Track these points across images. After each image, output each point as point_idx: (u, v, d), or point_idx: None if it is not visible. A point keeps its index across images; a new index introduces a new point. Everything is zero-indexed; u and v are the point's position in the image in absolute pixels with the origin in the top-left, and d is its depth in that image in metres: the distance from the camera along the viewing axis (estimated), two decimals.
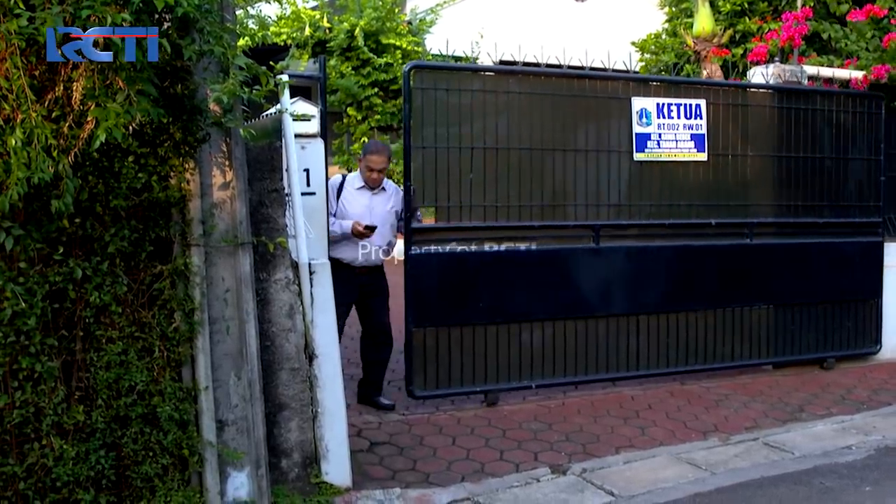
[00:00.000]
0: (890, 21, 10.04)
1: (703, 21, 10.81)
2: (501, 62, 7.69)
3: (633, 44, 15.13)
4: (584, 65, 7.63)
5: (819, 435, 6.73)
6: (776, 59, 9.27)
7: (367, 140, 18.00)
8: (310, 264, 5.26)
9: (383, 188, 6.91)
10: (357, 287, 6.76)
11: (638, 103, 7.72)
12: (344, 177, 6.93)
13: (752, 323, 8.41)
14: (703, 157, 8.02)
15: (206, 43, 4.19)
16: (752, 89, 8.51)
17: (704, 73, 10.69)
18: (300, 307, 5.22)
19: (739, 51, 11.61)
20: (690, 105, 7.97)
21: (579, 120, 7.53)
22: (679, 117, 7.88)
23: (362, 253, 6.71)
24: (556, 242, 7.45)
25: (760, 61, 9.27)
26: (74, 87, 3.88)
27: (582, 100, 7.53)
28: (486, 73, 7.35)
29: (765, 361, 8.60)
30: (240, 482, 4.84)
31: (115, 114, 3.75)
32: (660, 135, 7.80)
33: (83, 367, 4.36)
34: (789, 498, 5.44)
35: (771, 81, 8.71)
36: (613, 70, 7.70)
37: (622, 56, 8.01)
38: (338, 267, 6.23)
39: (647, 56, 14.86)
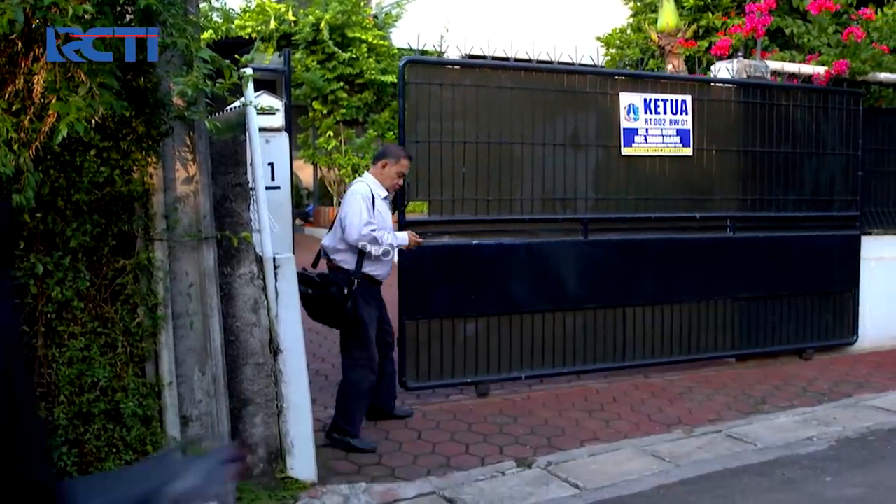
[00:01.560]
0: (850, 17, 10.15)
1: (667, 16, 10.87)
2: (469, 56, 7.72)
3: (598, 39, 15.20)
4: (557, 60, 7.66)
5: (781, 427, 6.80)
6: (739, 53, 9.34)
7: (357, 138, 18.00)
8: (274, 259, 5.23)
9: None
10: (380, 301, 6.37)
11: (626, 99, 7.82)
12: (368, 185, 6.26)
13: (731, 315, 8.56)
14: (688, 152, 8.14)
15: (169, 35, 4.16)
16: (737, 86, 8.64)
17: (669, 67, 10.76)
18: (265, 302, 5.19)
19: (704, 44, 11.69)
20: (677, 101, 8.10)
21: (569, 115, 7.64)
22: (666, 113, 8.01)
23: (391, 267, 6.35)
24: (546, 236, 7.57)
25: (723, 55, 9.35)
26: (35, 80, 3.84)
27: (571, 95, 7.64)
28: (480, 69, 7.38)
29: (744, 353, 8.73)
30: None
31: (76, 107, 3.71)
32: (647, 130, 7.92)
33: (45, 364, 4.31)
34: (752, 489, 5.49)
35: (734, 76, 8.77)
36: (602, 66, 7.77)
37: (589, 51, 8.07)
38: (372, 284, 6.12)
39: (612, 51, 14.92)
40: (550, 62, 7.69)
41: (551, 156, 7.53)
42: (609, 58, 14.63)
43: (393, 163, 6.19)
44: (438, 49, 8.36)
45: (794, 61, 9.58)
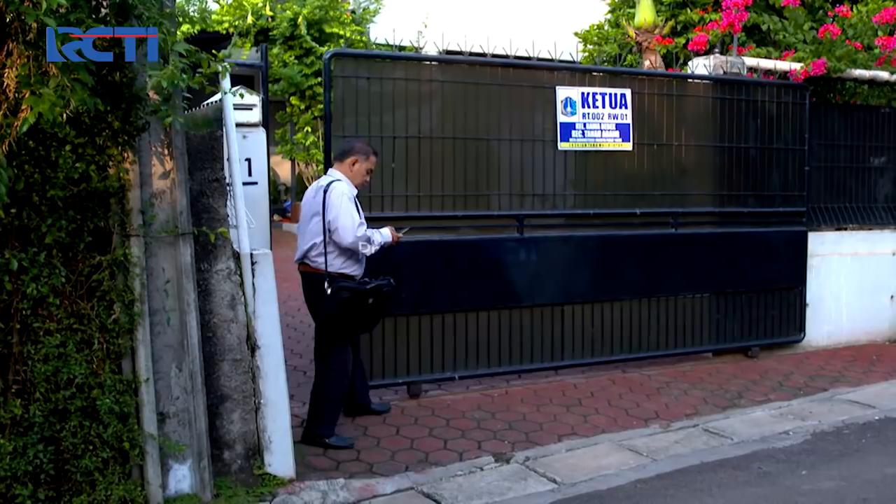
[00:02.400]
0: (827, 13, 10.22)
1: (645, 12, 10.88)
2: (447, 52, 7.66)
3: (576, 34, 15.21)
4: (514, 54, 7.61)
5: (757, 421, 6.84)
6: (716, 49, 9.38)
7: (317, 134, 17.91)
8: (252, 254, 5.21)
9: None
10: None
11: (562, 92, 7.67)
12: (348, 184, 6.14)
13: (676, 312, 8.43)
14: (628, 146, 8.01)
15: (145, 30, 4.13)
16: (679, 79, 8.55)
17: (646, 63, 10.77)
18: (242, 298, 5.17)
19: (682, 40, 11.72)
20: (616, 94, 7.94)
21: (503, 109, 7.45)
22: (604, 106, 7.86)
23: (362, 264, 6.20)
24: (480, 232, 7.41)
25: (700, 51, 9.38)
26: (7, 75, 3.81)
27: (506, 88, 7.45)
28: (410, 62, 7.23)
29: (689, 351, 8.61)
30: (182, 475, 4.81)
31: (49, 101, 3.68)
32: (584, 124, 7.78)
33: (20, 360, 4.29)
34: (728, 483, 5.52)
35: (711, 72, 8.80)
36: (538, 59, 7.67)
37: (568, 47, 8.02)
38: (350, 282, 5.95)
39: (590, 47, 14.94)
40: (506, 56, 7.59)
41: (485, 151, 7.36)
42: (587, 54, 14.64)
43: (363, 160, 6.08)
44: (416, 44, 8.33)
45: (770, 57, 9.62)
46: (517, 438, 6.33)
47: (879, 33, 9.75)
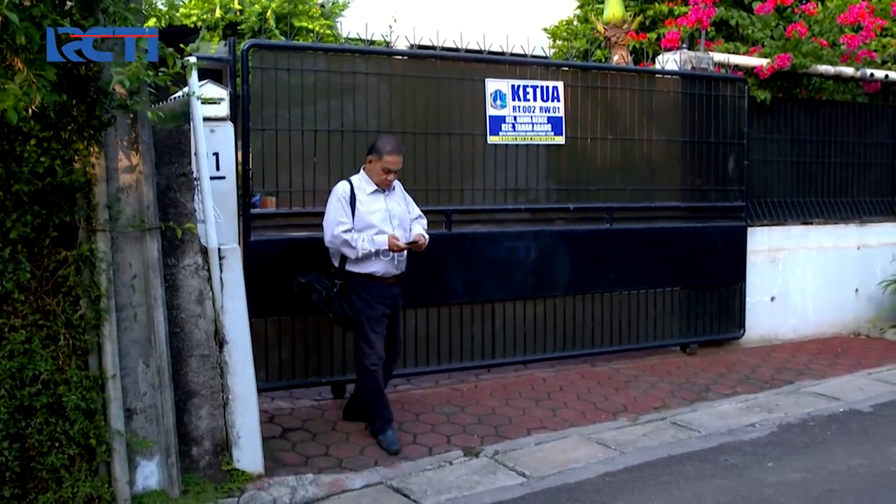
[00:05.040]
0: (793, 11, 10.31)
1: (613, 7, 10.92)
2: (420, 47, 7.61)
3: (545, 30, 15.23)
4: (442, 45, 7.43)
5: (724, 413, 6.90)
6: (684, 45, 9.43)
7: None
8: (219, 249, 5.19)
9: (393, 187, 6.15)
10: (391, 300, 6.08)
11: (492, 85, 7.54)
12: (349, 182, 6.03)
13: (608, 309, 8.32)
14: (560, 140, 7.89)
15: (111, 23, 4.11)
16: (613, 71, 8.46)
17: (615, 58, 10.82)
18: (210, 293, 5.15)
19: (653, 35, 11.77)
20: (547, 87, 7.80)
21: (430, 102, 7.30)
22: (535, 100, 7.74)
23: (395, 264, 6.02)
24: None
25: (673, 47, 9.42)
26: None
27: (433, 81, 7.31)
28: (332, 53, 7.06)
29: (626, 348, 8.51)
30: (149, 471, 4.79)
31: (14, 97, 3.65)
32: (515, 118, 7.65)
33: None
34: (695, 475, 5.57)
35: (679, 68, 8.85)
36: (466, 50, 7.54)
37: (540, 42, 7.97)
38: (373, 281, 5.93)
39: (559, 42, 14.96)
40: (433, 47, 7.43)
41: (411, 145, 7.08)
42: (556, 49, 14.66)
43: (376, 159, 5.93)
44: (386, 38, 8.32)
45: (738, 52, 9.69)
46: (486, 432, 6.34)
47: (845, 31, 9.88)
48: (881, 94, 10.55)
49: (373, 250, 5.83)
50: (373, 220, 5.89)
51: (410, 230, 6.13)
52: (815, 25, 10.05)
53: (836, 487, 5.38)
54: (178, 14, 16.97)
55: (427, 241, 6.05)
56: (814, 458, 5.92)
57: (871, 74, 9.95)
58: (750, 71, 9.28)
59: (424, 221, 6.31)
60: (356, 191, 5.94)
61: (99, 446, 4.48)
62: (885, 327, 9.98)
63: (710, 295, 8.95)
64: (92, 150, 4.44)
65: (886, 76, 10.12)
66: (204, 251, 5.15)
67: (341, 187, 5.96)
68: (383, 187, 5.99)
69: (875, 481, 5.50)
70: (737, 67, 9.21)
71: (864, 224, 10.22)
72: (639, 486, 5.38)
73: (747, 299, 9.16)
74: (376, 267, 5.92)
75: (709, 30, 10.09)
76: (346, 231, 5.82)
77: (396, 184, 6.19)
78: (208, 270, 5.15)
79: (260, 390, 5.94)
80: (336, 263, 6.01)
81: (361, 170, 6.07)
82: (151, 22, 5.31)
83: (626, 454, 5.95)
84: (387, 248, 5.84)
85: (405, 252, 5.99)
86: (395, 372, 6.81)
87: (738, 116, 8.97)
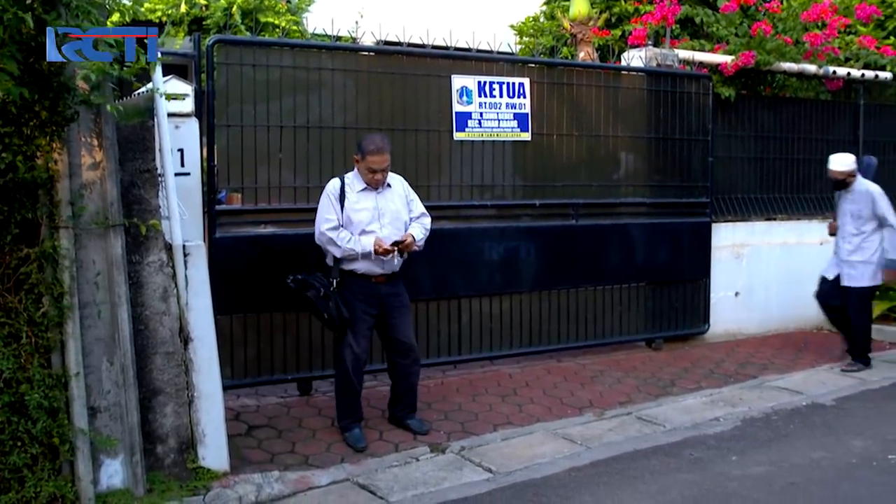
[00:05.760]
0: (757, 9, 10.41)
1: (579, 4, 10.96)
2: (386, 43, 7.58)
3: (512, 27, 15.26)
4: (408, 41, 7.44)
5: (689, 408, 6.96)
6: (649, 42, 9.48)
7: None
8: (184, 246, 5.16)
9: (388, 184, 6.07)
10: (377, 299, 6.00)
11: (458, 81, 7.55)
12: (342, 179, 6.00)
13: (574, 305, 8.34)
14: (526, 136, 7.91)
15: (73, 18, 4.07)
16: (579, 68, 8.47)
17: (581, 55, 10.86)
18: (174, 290, 5.12)
19: (618, 32, 11.82)
20: (513, 84, 7.82)
21: (396, 98, 7.28)
22: (502, 96, 7.76)
23: (381, 263, 5.94)
24: None
25: (639, 44, 9.47)
26: None
27: (399, 77, 7.30)
28: (297, 49, 7.03)
29: (592, 344, 8.52)
30: (114, 470, 4.75)
31: None
32: (481, 114, 7.65)
33: None
34: (661, 469, 5.62)
35: (645, 64, 8.89)
36: (433, 46, 7.54)
37: (507, 38, 7.94)
38: (354, 278, 5.91)
39: (525, 39, 14.99)
40: (399, 43, 7.44)
41: None
42: (523, 46, 14.69)
43: (360, 159, 5.91)
44: (353, 34, 8.28)
45: (703, 50, 9.76)
46: (453, 428, 6.35)
47: (809, 29, 9.98)
48: (843, 92, 10.69)
49: (357, 251, 5.80)
50: (360, 217, 5.87)
51: (407, 229, 6.07)
52: (779, 23, 10.15)
53: (798, 480, 5.44)
54: (142, 9, 16.85)
55: (416, 240, 6.00)
56: (777, 451, 5.98)
57: (834, 72, 10.06)
58: (715, 68, 9.35)
59: (427, 220, 6.22)
60: (346, 188, 5.92)
61: (62, 445, 4.44)
62: None
63: (676, 290, 9.01)
64: (54, 145, 4.40)
65: (849, 74, 10.24)
66: (168, 248, 5.11)
67: (331, 184, 5.95)
68: (373, 185, 5.95)
69: (837, 474, 5.57)
70: (702, 64, 9.28)
71: (827, 220, 10.30)
72: (604, 480, 5.41)
73: (712, 294, 9.24)
74: (359, 264, 5.90)
75: (674, 27, 10.17)
76: (331, 228, 5.80)
77: (398, 181, 6.17)
78: (173, 267, 5.12)
79: (225, 388, 5.90)
80: (330, 262, 5.96)
81: (355, 167, 6.04)
82: (115, 17, 5.27)
83: (591, 449, 5.99)
84: (371, 250, 5.80)
85: (396, 251, 5.92)
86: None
87: (702, 113, 9.03)
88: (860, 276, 8.14)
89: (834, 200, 8.55)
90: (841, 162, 8.16)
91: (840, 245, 8.30)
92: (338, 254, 5.83)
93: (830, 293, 8.34)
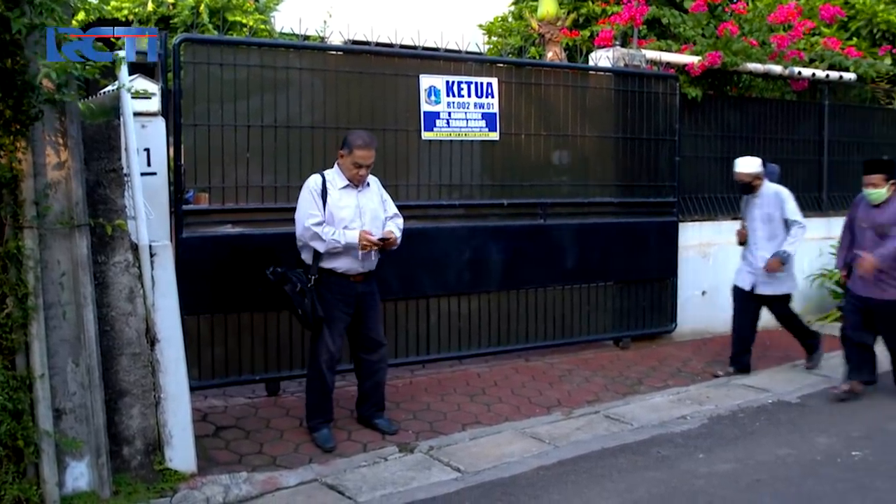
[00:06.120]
0: (724, 10, 10.50)
1: (547, 4, 11.00)
2: (354, 42, 7.56)
3: (480, 27, 15.29)
4: (376, 40, 7.42)
5: (656, 406, 7.00)
6: (617, 42, 9.53)
7: None
8: (151, 246, 5.12)
9: (367, 183, 6.08)
10: (355, 298, 5.99)
11: (426, 81, 7.52)
12: (322, 175, 5.96)
13: (542, 304, 8.35)
14: (494, 136, 7.90)
15: (37, 16, 4.03)
16: (547, 68, 8.50)
17: (549, 55, 10.89)
18: (141, 290, 5.08)
19: (586, 33, 11.88)
20: (481, 83, 7.80)
21: (364, 97, 7.25)
22: (470, 96, 7.74)
23: (362, 261, 5.94)
24: None
25: (607, 45, 9.51)
26: None
27: (368, 76, 7.26)
28: (265, 48, 6.99)
29: (560, 343, 8.53)
30: (79, 472, 4.72)
31: None
32: (449, 113, 7.64)
33: None
34: (628, 468, 5.64)
35: (613, 65, 8.92)
36: (401, 46, 7.53)
37: (475, 38, 7.93)
38: (331, 277, 5.87)
39: (494, 39, 15.02)
40: (368, 43, 7.39)
41: None
42: (491, 46, 14.72)
43: (347, 153, 5.88)
44: (321, 34, 8.25)
45: (670, 50, 9.82)
46: (421, 428, 6.36)
47: (775, 30, 10.08)
48: (808, 92, 10.81)
49: (342, 243, 5.77)
50: (342, 214, 5.84)
51: (384, 228, 6.07)
52: (745, 24, 10.25)
53: (764, 477, 5.49)
54: (108, 7, 16.72)
55: (398, 238, 6.02)
56: (743, 448, 6.03)
57: (799, 73, 10.17)
58: (681, 68, 9.41)
59: (400, 221, 6.24)
60: (328, 185, 5.89)
61: (27, 447, 4.40)
62: (811, 320, 10.18)
63: (643, 289, 9.04)
64: (18, 145, 4.36)
65: (813, 74, 10.35)
66: (135, 248, 5.08)
67: (313, 180, 5.90)
68: (356, 182, 5.93)
69: (802, 470, 5.62)
70: (669, 65, 9.33)
71: None
72: (572, 479, 5.44)
73: (679, 293, 9.27)
74: (340, 262, 5.88)
75: (641, 28, 10.22)
76: (316, 224, 5.75)
77: (373, 180, 6.14)
78: (139, 267, 5.08)
79: (192, 388, 5.87)
80: (308, 259, 5.91)
81: (335, 164, 6.02)
82: (81, 16, 5.23)
83: (560, 448, 6.01)
84: (356, 242, 5.78)
85: (374, 249, 5.92)
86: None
87: (669, 113, 9.06)
88: (781, 284, 7.89)
89: (741, 207, 8.24)
90: (748, 165, 7.88)
91: (753, 252, 7.90)
92: (322, 248, 5.79)
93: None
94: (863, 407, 7.07)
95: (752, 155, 8.27)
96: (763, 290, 7.89)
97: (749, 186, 7.90)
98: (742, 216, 8.15)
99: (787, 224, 7.79)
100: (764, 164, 7.97)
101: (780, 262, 7.69)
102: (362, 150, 5.85)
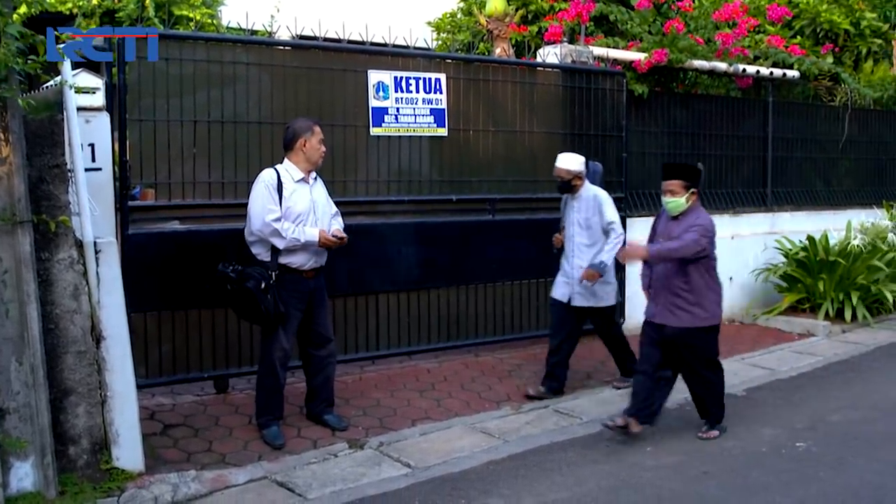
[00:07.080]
0: (670, 7, 10.61)
1: (495, 1, 11.02)
2: (302, 37, 7.51)
3: (429, 23, 15.26)
4: (324, 36, 7.38)
5: (605, 400, 7.06)
6: (565, 39, 9.58)
7: None
8: (95, 243, 5.06)
9: (315, 177, 6.10)
10: (307, 293, 5.99)
11: (374, 76, 7.52)
12: (276, 170, 5.87)
13: (491, 300, 8.34)
14: (443, 132, 7.92)
15: None
16: (495, 65, 8.56)
17: (497, 51, 10.92)
18: (86, 287, 5.02)
19: (535, 29, 11.92)
20: (430, 79, 7.81)
21: (313, 93, 7.22)
22: (418, 91, 7.75)
23: (316, 257, 5.98)
24: None
25: (555, 41, 9.56)
26: None
27: (315, 72, 7.24)
28: (212, 43, 6.91)
29: (509, 338, 8.56)
30: (24, 472, 4.66)
31: None
32: (398, 109, 7.64)
33: None
34: (577, 461, 5.70)
35: (560, 61, 8.96)
36: (349, 41, 7.52)
37: (424, 34, 7.91)
38: (287, 274, 5.83)
39: (443, 35, 15.02)
40: (315, 38, 7.35)
41: None
42: (440, 42, 14.71)
43: (309, 135, 5.89)
44: (268, 29, 8.17)
45: (617, 47, 9.89)
46: (371, 424, 6.36)
47: (720, 28, 10.21)
48: (753, 89, 10.98)
49: (302, 241, 5.76)
50: (298, 209, 5.83)
51: (330, 225, 6.06)
52: (690, 22, 10.38)
53: (711, 469, 5.57)
54: (50, 0, 16.46)
55: (334, 240, 5.97)
56: (689, 441, 6.12)
57: (744, 70, 10.31)
58: (628, 65, 9.49)
59: (340, 218, 6.24)
60: (283, 179, 5.84)
61: None
62: (757, 314, 10.36)
63: None
64: None
65: (758, 71, 10.50)
66: (79, 245, 5.01)
67: (268, 174, 5.83)
68: (315, 167, 5.99)
69: (747, 462, 5.72)
70: (616, 61, 9.40)
71: (738, 214, 10.60)
72: (522, 473, 5.48)
73: (627, 289, 9.31)
74: (294, 258, 5.86)
75: (589, 24, 10.29)
76: (276, 220, 5.70)
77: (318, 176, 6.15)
78: (84, 264, 5.02)
79: (140, 386, 5.78)
80: (262, 255, 5.84)
81: (285, 159, 5.97)
82: (23, 9, 5.15)
83: (509, 442, 6.05)
84: (316, 240, 5.79)
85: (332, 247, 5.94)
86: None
87: (616, 109, 9.11)
88: (606, 296, 7.19)
89: (560, 208, 7.51)
90: (569, 161, 7.16)
91: (571, 261, 7.17)
92: (281, 245, 5.75)
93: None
94: (807, 399, 7.21)
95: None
96: (579, 302, 7.14)
97: (568, 185, 7.18)
98: (561, 219, 7.47)
99: (605, 229, 7.09)
100: (587, 164, 7.34)
101: (598, 273, 6.97)
102: (318, 126, 5.98)
